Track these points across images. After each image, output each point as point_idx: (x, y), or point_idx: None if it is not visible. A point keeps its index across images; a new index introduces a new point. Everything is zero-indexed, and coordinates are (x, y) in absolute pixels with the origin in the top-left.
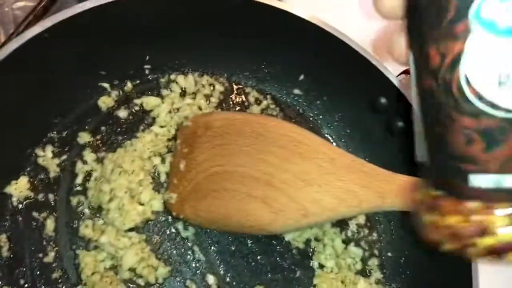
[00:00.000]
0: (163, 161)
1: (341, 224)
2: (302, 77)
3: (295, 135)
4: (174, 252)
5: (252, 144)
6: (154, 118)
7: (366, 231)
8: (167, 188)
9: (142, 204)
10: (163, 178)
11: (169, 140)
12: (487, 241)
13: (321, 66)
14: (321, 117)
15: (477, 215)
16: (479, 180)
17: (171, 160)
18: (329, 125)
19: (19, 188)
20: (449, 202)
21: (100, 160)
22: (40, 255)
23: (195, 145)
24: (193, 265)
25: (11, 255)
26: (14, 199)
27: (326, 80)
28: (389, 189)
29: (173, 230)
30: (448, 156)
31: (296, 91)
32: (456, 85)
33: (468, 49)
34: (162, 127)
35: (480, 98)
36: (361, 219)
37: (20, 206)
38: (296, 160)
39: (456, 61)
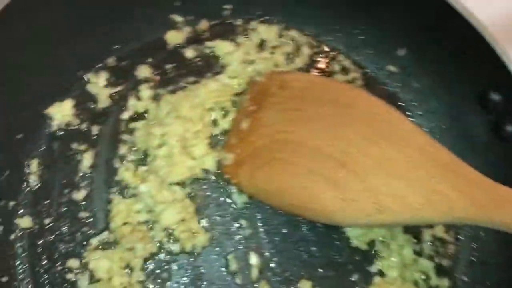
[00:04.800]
0: (225, 115)
1: (415, 230)
2: (402, 51)
3: (386, 115)
4: (219, 219)
5: (331, 115)
6: (223, 67)
7: (443, 245)
8: (223, 147)
9: (193, 159)
10: (221, 134)
11: (236, 94)
12: None
13: (427, 41)
14: (414, 103)
15: None
16: None
17: (234, 117)
18: (421, 114)
19: (62, 112)
20: None
21: (155, 99)
22: (71, 190)
23: (264, 104)
24: (237, 239)
25: (40, 184)
26: (55, 123)
27: (431, 60)
28: (490, 201)
29: (222, 196)
30: None
31: (391, 68)
32: None
33: None
34: (231, 77)
35: None
36: (439, 230)
37: (59, 132)
38: (382, 143)
39: None
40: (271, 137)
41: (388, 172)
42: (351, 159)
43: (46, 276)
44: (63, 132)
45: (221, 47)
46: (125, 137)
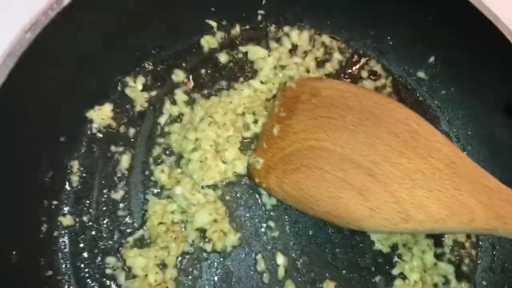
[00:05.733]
0: (256, 121)
1: (437, 235)
2: (432, 58)
3: (414, 125)
4: (248, 222)
5: (360, 124)
6: (256, 71)
7: (463, 251)
8: (254, 151)
9: (225, 162)
10: (252, 139)
11: (267, 99)
12: None
13: (459, 50)
14: (442, 109)
15: None
16: None
17: (264, 122)
18: (449, 120)
19: (102, 115)
20: None
21: (190, 104)
22: (109, 190)
23: (295, 111)
24: (265, 239)
25: (81, 184)
26: (94, 125)
27: (460, 68)
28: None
29: (252, 198)
30: None
31: (420, 74)
32: None
33: None
34: (263, 83)
35: None
36: (461, 236)
37: (99, 134)
38: (409, 155)
39: None
40: (301, 143)
41: (414, 183)
42: (379, 169)
43: (86, 270)
44: (102, 135)
45: (254, 52)
46: (160, 140)
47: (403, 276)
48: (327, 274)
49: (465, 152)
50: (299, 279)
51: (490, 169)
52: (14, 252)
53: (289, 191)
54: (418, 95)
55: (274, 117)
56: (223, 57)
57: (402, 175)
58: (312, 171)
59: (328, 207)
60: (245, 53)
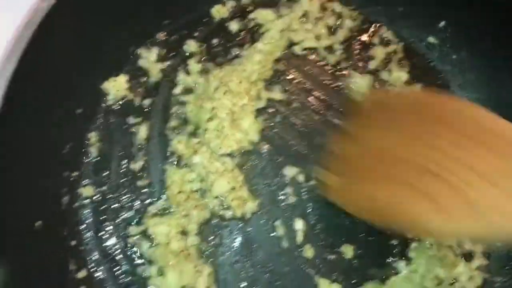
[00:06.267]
0: (269, 87)
1: None
2: (442, 23)
3: (482, 120)
4: (266, 189)
5: (425, 128)
6: (263, 33)
7: None
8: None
9: (241, 131)
10: (265, 107)
11: (276, 61)
12: None
13: (470, 14)
14: (453, 74)
15: None
16: None
17: (333, 138)
18: (460, 85)
19: (117, 86)
20: None
21: (204, 73)
22: (128, 161)
23: (363, 125)
24: (283, 206)
25: (99, 156)
26: (110, 97)
27: (471, 33)
28: None
29: (269, 166)
30: None
31: (431, 39)
32: None
33: None
34: (266, 43)
35: None
36: None
37: (115, 106)
38: (481, 152)
39: None
40: (370, 157)
41: (491, 182)
42: (447, 172)
43: (109, 240)
44: (118, 106)
45: (263, 15)
46: (176, 110)
47: (419, 239)
48: (344, 238)
49: None
50: (318, 244)
51: None
52: (38, 223)
53: (359, 203)
54: (429, 59)
55: (343, 134)
56: (234, 26)
57: (475, 175)
58: (381, 181)
59: (395, 214)
60: (255, 20)
